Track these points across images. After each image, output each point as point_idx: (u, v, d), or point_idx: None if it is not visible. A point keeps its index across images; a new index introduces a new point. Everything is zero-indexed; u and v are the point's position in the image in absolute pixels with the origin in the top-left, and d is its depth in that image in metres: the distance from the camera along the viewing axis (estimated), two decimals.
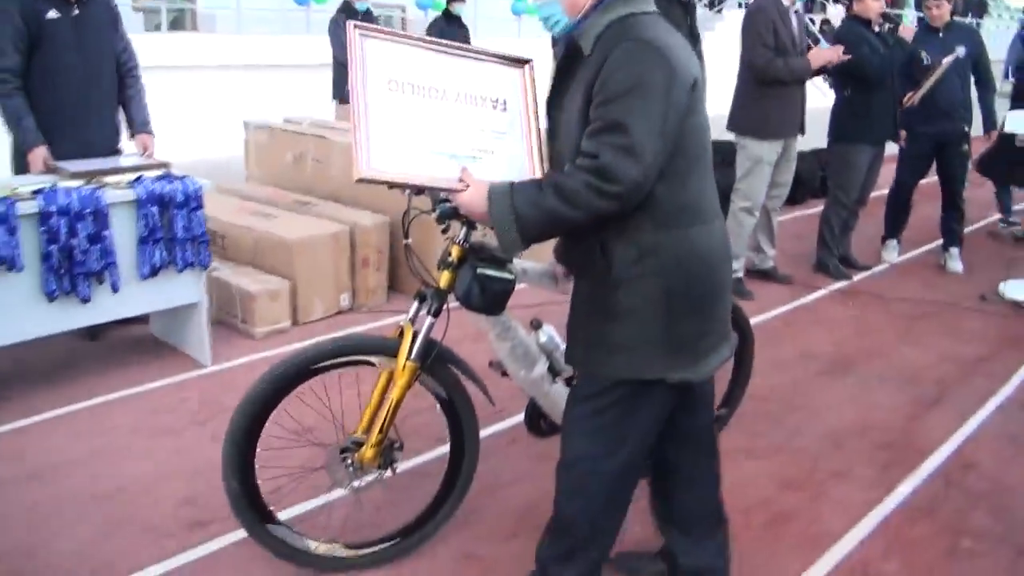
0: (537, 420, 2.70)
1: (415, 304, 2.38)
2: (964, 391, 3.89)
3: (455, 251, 2.27)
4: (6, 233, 3.19)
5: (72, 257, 3.35)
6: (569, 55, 1.97)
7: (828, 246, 5.47)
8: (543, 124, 2.16)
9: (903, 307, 5.01)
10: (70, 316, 3.45)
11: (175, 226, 3.57)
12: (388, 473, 2.49)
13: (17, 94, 3.74)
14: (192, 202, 3.59)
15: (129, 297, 3.55)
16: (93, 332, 4.05)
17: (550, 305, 2.84)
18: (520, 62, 2.27)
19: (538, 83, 2.24)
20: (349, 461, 2.42)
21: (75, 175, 3.54)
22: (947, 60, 5.26)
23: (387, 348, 2.37)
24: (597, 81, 1.83)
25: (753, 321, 4.60)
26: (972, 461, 3.27)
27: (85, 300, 3.41)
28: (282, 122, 5.57)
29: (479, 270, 2.18)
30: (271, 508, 2.45)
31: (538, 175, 2.11)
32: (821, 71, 4.96)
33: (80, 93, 3.86)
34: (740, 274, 5.06)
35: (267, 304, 4.15)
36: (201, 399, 3.55)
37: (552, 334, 2.55)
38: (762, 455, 3.25)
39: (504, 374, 2.55)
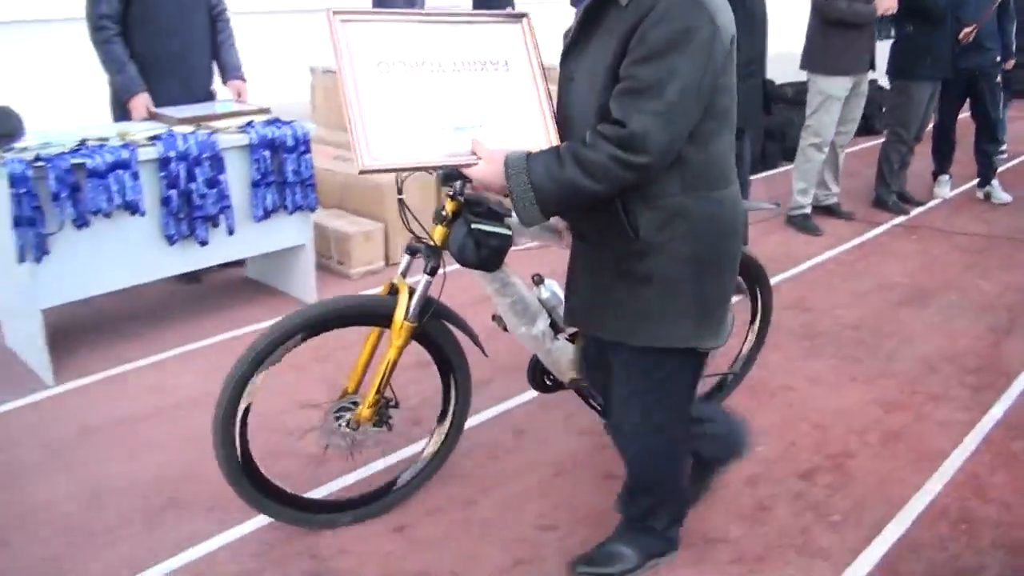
0: (541, 376, 2.63)
1: (405, 258, 2.33)
2: None
3: (449, 205, 2.17)
4: (131, 178, 3.29)
5: (191, 201, 3.46)
6: (599, 3, 1.83)
7: (887, 182, 5.58)
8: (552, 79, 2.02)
9: (963, 240, 5.13)
10: (188, 258, 3.57)
11: (285, 170, 3.67)
12: (384, 430, 2.48)
13: (117, 40, 3.81)
14: (301, 146, 3.69)
15: (243, 239, 3.67)
16: (193, 275, 4.18)
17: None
18: (517, 16, 2.13)
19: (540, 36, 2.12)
20: (344, 421, 2.41)
21: (181, 121, 3.63)
22: None
23: (383, 308, 2.32)
24: (635, 35, 1.71)
25: (825, 256, 4.80)
26: None
27: (203, 243, 3.54)
28: None
29: (474, 225, 2.10)
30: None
31: (552, 136, 1.99)
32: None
33: (176, 40, 3.93)
34: (807, 210, 5.18)
35: (362, 245, 4.28)
36: None
37: (555, 290, 2.47)
38: (864, 380, 3.40)
39: (507, 329, 2.50)
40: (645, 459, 2.21)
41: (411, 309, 2.26)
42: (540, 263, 2.76)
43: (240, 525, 2.52)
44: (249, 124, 3.63)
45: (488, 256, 2.13)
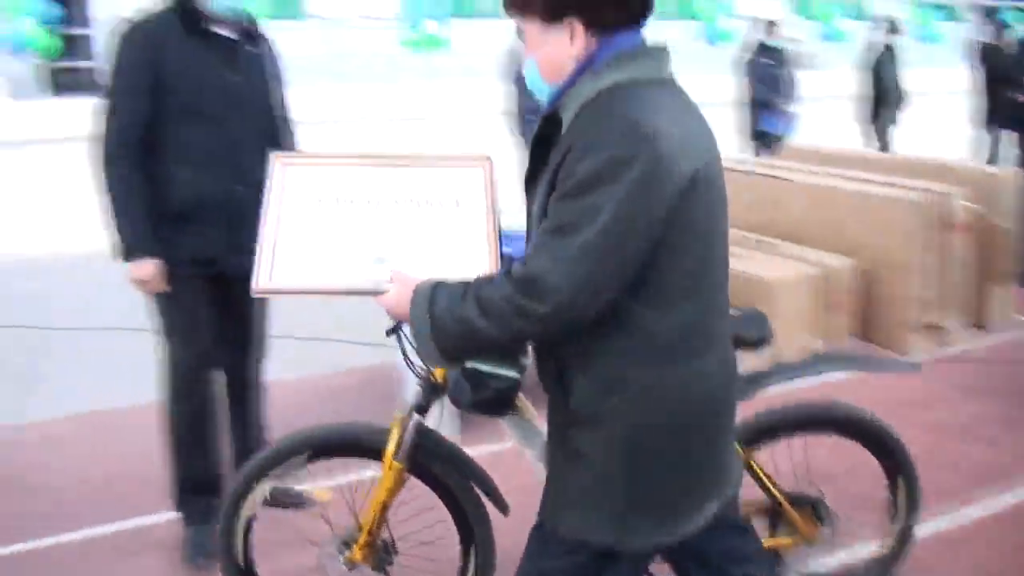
0: None
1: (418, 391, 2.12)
2: None
3: None
4: None
5: None
6: (547, 132, 1.61)
7: None
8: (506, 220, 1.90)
9: None
10: None
11: None
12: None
13: None
14: None
15: None
16: None
17: None
18: (481, 159, 1.97)
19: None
20: (341, 559, 2.22)
21: None
22: None
23: (372, 445, 2.12)
24: (562, 169, 1.48)
25: None
26: None
27: None
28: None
29: (469, 363, 1.83)
30: None
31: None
32: None
33: None
34: None
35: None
36: None
37: None
38: None
39: None
40: None
41: (401, 448, 2.06)
42: None
43: None
44: None
45: (489, 401, 1.87)
